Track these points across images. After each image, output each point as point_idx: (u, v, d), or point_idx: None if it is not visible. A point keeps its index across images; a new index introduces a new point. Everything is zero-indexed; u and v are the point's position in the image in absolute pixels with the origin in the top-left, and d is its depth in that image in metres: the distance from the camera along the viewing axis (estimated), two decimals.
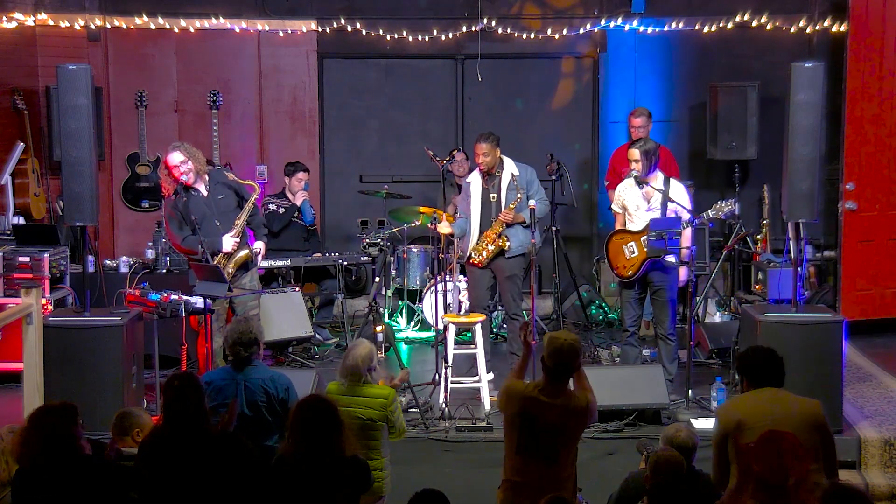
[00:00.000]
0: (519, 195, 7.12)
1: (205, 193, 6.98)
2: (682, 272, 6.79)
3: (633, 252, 6.82)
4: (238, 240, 6.96)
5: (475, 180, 7.39)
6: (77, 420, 4.20)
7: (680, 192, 6.83)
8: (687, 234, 6.70)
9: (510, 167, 7.28)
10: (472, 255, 7.27)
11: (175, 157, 6.84)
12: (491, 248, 7.21)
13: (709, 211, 6.76)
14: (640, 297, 6.98)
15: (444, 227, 7.35)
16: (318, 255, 8.49)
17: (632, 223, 6.92)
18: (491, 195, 7.29)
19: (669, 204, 6.75)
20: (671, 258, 6.72)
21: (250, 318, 5.31)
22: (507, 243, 7.18)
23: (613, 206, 7.14)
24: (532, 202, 7.09)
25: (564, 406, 4.56)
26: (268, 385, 5.00)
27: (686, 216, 6.67)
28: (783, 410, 4.35)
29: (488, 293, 7.41)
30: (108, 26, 9.39)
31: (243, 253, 6.99)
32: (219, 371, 5.34)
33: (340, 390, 5.07)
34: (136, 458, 4.38)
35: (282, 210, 8.48)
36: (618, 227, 7.07)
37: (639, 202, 6.89)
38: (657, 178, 6.86)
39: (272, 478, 4.20)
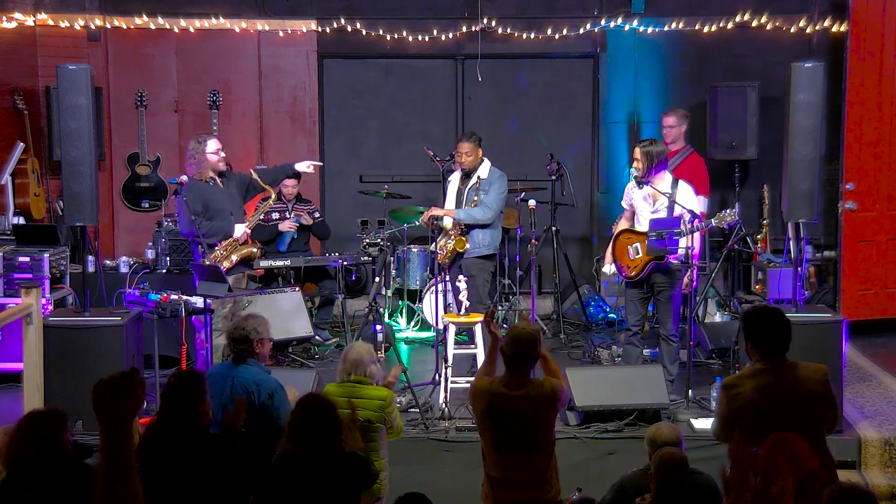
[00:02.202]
0: (476, 198, 7.23)
1: (220, 185, 7.31)
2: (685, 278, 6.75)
3: (638, 253, 6.80)
4: (249, 231, 7.32)
5: (455, 179, 7.52)
6: (66, 426, 4.20)
7: (688, 196, 6.78)
8: (693, 236, 6.63)
9: (483, 171, 7.39)
10: (438, 252, 7.35)
11: (214, 144, 7.32)
12: (449, 246, 7.29)
13: (711, 220, 6.68)
14: (645, 298, 6.94)
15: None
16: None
17: (638, 224, 6.89)
18: (463, 195, 7.41)
19: (676, 207, 6.70)
20: (675, 260, 6.70)
21: (252, 316, 5.33)
22: (466, 244, 7.33)
23: (623, 202, 7.13)
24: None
25: (529, 396, 4.58)
26: (250, 387, 5.01)
27: (687, 217, 6.64)
28: (791, 396, 4.30)
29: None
30: (108, 26, 9.39)
31: (253, 250, 7.30)
32: (219, 366, 5.45)
33: (339, 392, 5.06)
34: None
35: (274, 215, 8.49)
36: (622, 224, 7.05)
37: (641, 204, 6.86)
38: (664, 181, 6.80)
39: (272, 477, 4.20)
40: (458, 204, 7.45)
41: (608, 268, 7.12)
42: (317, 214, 8.86)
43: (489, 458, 4.68)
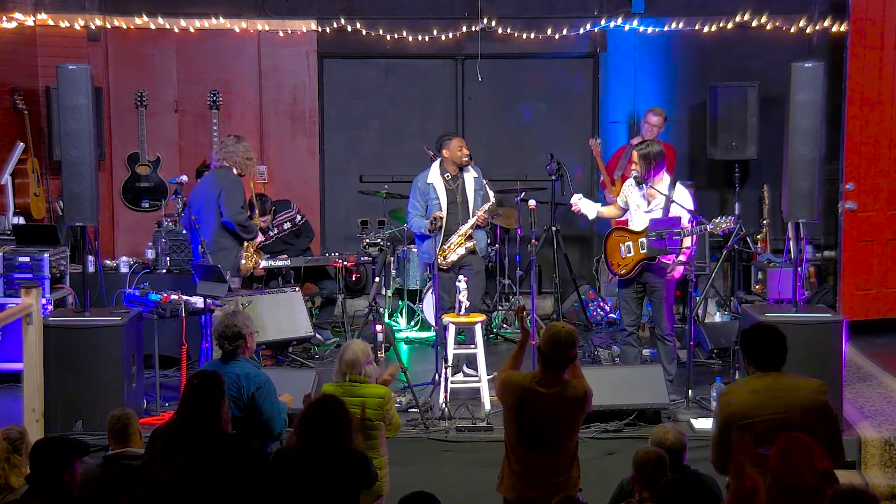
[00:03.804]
0: (493, 199, 7.25)
1: None
2: (679, 268, 6.76)
3: (629, 252, 6.83)
4: (262, 237, 7.95)
5: (437, 181, 7.42)
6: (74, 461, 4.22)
7: (684, 197, 6.80)
8: (688, 239, 6.65)
9: (470, 168, 7.42)
10: (439, 257, 7.30)
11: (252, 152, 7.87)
12: (461, 250, 7.30)
13: (707, 224, 6.68)
14: (639, 297, 6.96)
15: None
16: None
17: (632, 223, 6.92)
18: (457, 196, 7.37)
19: (672, 207, 6.72)
20: (666, 260, 6.73)
21: (237, 312, 5.31)
22: (472, 244, 7.36)
23: (618, 200, 7.15)
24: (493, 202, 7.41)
25: (561, 395, 4.58)
26: (241, 381, 5.01)
27: (687, 217, 6.65)
28: (785, 401, 4.31)
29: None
30: (108, 26, 9.39)
31: (261, 263, 7.80)
32: (210, 363, 5.49)
33: (337, 391, 5.05)
34: (145, 452, 4.39)
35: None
36: (607, 210, 7.20)
37: (639, 202, 6.88)
38: (663, 182, 6.84)
39: (273, 473, 4.21)
40: (456, 204, 7.42)
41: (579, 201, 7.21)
42: (298, 218, 8.78)
43: (510, 453, 4.69)
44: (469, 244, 7.34)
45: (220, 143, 7.87)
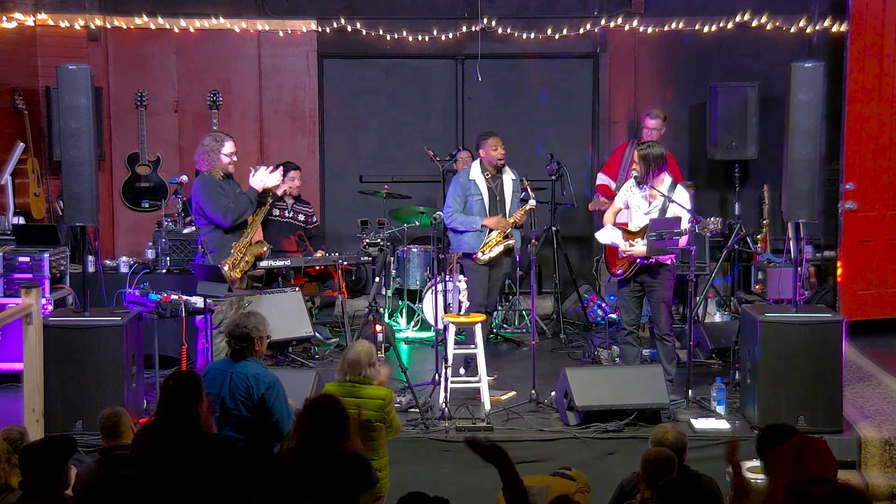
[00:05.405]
0: (533, 201, 7.28)
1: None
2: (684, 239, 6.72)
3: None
4: (278, 182, 7.51)
5: (479, 179, 7.52)
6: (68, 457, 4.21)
7: (683, 197, 6.80)
8: (684, 239, 6.66)
9: (508, 169, 7.48)
10: (478, 253, 7.38)
11: (230, 146, 7.26)
12: (499, 248, 7.38)
13: (695, 226, 6.69)
14: (638, 297, 6.97)
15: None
16: (320, 253, 8.48)
17: (632, 223, 6.92)
18: (496, 195, 7.47)
19: (670, 207, 6.73)
20: (664, 259, 6.73)
21: (253, 314, 5.34)
22: (511, 242, 7.46)
23: (617, 200, 7.15)
24: (532, 202, 7.38)
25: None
26: (250, 381, 5.04)
27: (686, 217, 6.66)
28: None
29: (485, 291, 7.59)
30: (108, 26, 9.38)
31: (263, 249, 7.36)
32: (219, 361, 5.50)
33: (339, 391, 5.06)
34: (129, 454, 4.39)
35: (275, 211, 8.46)
36: (607, 217, 7.11)
37: (640, 203, 6.88)
38: (664, 183, 6.84)
39: (273, 473, 4.20)
40: (495, 202, 7.55)
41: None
42: (314, 218, 8.84)
43: None
44: (507, 243, 7.46)
45: (199, 145, 7.48)
